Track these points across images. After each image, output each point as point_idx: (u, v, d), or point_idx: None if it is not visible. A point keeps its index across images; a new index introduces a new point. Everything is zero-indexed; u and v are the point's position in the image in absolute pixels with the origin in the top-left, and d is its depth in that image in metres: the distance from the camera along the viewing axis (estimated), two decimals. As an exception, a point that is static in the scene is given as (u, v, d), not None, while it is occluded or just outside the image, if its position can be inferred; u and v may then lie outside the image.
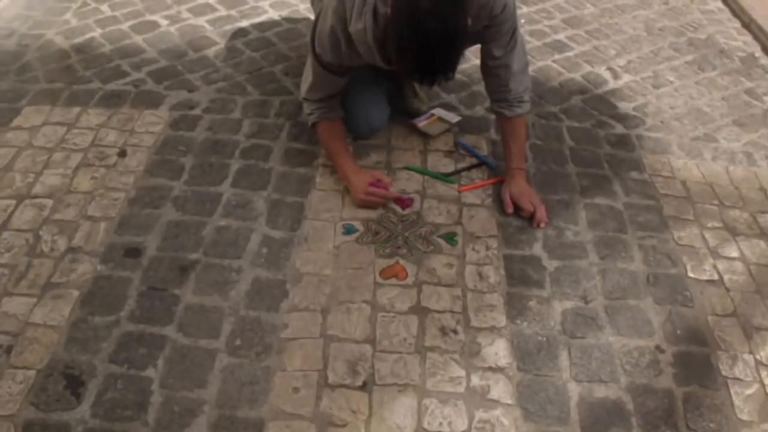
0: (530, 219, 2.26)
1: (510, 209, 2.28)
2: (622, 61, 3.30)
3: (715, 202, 2.45)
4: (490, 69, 2.29)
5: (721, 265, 2.20)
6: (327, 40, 2.08)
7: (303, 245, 2.13)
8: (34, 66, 2.95)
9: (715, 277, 2.15)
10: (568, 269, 2.12)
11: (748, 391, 1.83)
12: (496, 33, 2.16)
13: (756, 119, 2.95)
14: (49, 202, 2.23)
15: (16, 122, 2.59)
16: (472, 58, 3.08)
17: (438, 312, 1.95)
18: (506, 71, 2.25)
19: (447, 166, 2.49)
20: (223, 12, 3.47)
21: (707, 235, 2.30)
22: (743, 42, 3.64)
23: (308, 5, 3.37)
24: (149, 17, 3.40)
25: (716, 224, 2.35)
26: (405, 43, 1.76)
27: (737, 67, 3.37)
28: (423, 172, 2.43)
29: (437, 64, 1.78)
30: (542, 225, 2.25)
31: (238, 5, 3.53)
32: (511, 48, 2.21)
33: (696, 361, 1.89)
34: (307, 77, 2.28)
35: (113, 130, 2.57)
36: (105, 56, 3.05)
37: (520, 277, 2.08)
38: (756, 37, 3.70)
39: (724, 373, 1.87)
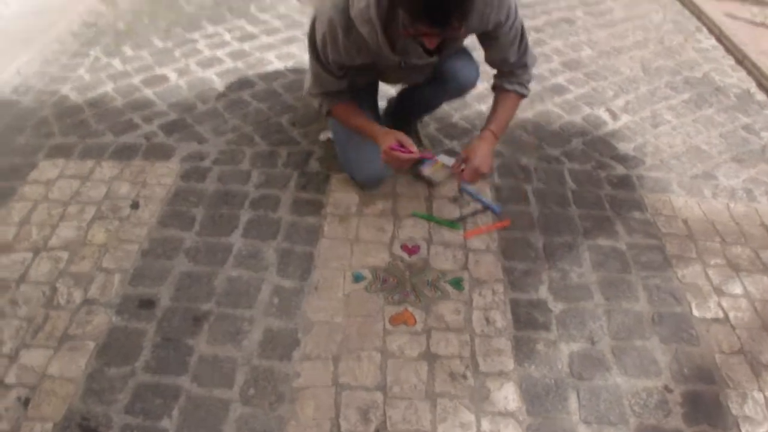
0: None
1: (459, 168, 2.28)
2: (620, 102, 3.36)
3: (717, 239, 2.48)
4: (505, 70, 2.34)
5: (726, 302, 2.22)
6: (326, 34, 2.08)
7: (313, 294, 2.16)
8: (50, 121, 3.03)
9: (720, 314, 2.18)
10: (573, 311, 2.15)
11: (760, 430, 1.84)
12: (507, 44, 2.21)
13: (754, 155, 2.99)
14: (65, 255, 2.28)
15: (32, 176, 2.66)
16: (474, 104, 3.16)
17: (447, 357, 1.98)
18: (523, 71, 2.33)
19: (452, 212, 2.53)
20: (230, 64, 3.55)
21: (710, 273, 2.33)
22: (738, 78, 3.71)
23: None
24: (159, 71, 3.49)
25: (719, 261, 2.38)
26: None
27: (733, 104, 3.42)
28: (429, 218, 2.48)
29: None
30: (466, 178, 2.26)
31: (245, 57, 3.62)
32: (523, 51, 2.28)
33: (705, 400, 1.91)
34: (308, 76, 2.33)
35: (126, 182, 2.63)
36: (117, 110, 3.13)
37: (527, 320, 2.11)
38: (750, 73, 3.76)
39: (734, 411, 1.89)
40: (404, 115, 2.78)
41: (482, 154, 2.26)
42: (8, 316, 2.06)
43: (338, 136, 2.59)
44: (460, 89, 2.54)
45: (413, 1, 1.74)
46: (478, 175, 2.26)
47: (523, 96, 2.40)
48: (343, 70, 2.23)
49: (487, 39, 2.24)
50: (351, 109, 2.38)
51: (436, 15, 1.74)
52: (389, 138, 2.26)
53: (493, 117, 2.36)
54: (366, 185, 2.60)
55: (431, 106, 2.76)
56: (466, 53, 2.50)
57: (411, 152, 2.24)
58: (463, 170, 2.25)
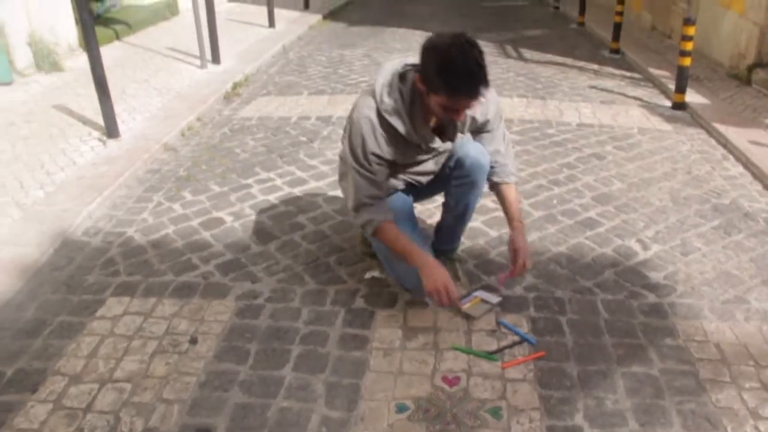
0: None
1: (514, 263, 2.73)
2: (650, 233, 3.51)
3: (751, 362, 2.54)
4: (498, 161, 2.82)
5: (763, 426, 2.25)
6: (364, 130, 2.49)
7: (360, 425, 2.28)
8: (117, 261, 3.31)
9: (758, 439, 2.21)
10: (609, 438, 2.22)
11: None
12: (500, 136, 2.80)
13: (785, 278, 3.08)
14: (129, 386, 2.45)
15: (100, 312, 2.89)
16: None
17: (488, 485, 2.06)
18: (511, 161, 2.87)
19: (490, 344, 2.65)
20: (282, 208, 3.84)
21: (745, 396, 2.38)
22: (766, 203, 3.85)
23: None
24: (216, 214, 3.79)
25: (754, 384, 2.43)
26: (445, 63, 2.26)
27: (762, 228, 3.55)
28: (468, 351, 2.61)
29: (477, 66, 2.26)
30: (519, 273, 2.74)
31: (296, 201, 3.91)
32: (507, 143, 2.85)
33: None
34: (350, 189, 2.60)
35: (185, 319, 2.84)
36: (177, 251, 3.40)
37: (564, 447, 2.19)
38: (778, 198, 3.89)
39: None
40: (445, 236, 3.08)
41: (526, 251, 2.74)
42: (75, 445, 2.21)
43: (383, 251, 2.78)
44: (476, 165, 2.75)
45: (453, 84, 2.27)
46: (526, 270, 2.75)
47: (515, 183, 2.92)
48: (381, 165, 2.55)
49: (484, 132, 2.78)
50: (396, 230, 2.60)
51: (471, 88, 2.28)
52: (440, 272, 2.52)
53: (511, 212, 2.83)
54: (418, 290, 2.74)
55: (463, 206, 2.94)
56: (473, 141, 2.84)
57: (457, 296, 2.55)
58: (512, 270, 2.73)
